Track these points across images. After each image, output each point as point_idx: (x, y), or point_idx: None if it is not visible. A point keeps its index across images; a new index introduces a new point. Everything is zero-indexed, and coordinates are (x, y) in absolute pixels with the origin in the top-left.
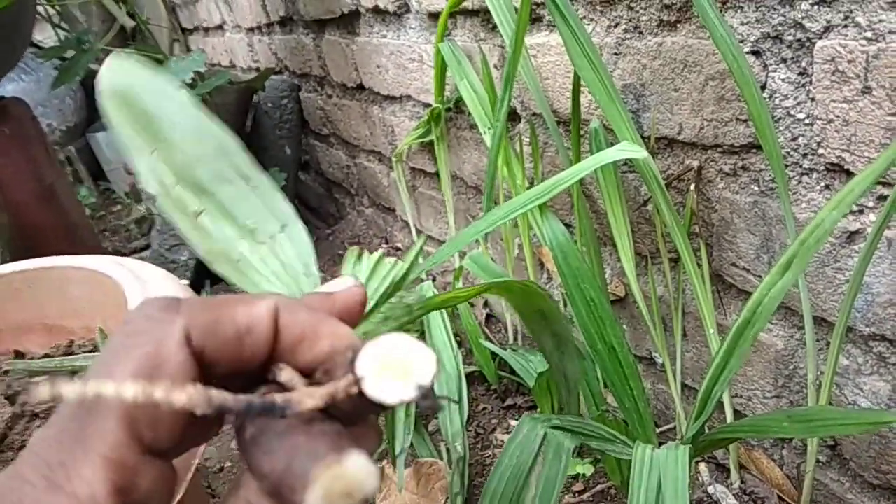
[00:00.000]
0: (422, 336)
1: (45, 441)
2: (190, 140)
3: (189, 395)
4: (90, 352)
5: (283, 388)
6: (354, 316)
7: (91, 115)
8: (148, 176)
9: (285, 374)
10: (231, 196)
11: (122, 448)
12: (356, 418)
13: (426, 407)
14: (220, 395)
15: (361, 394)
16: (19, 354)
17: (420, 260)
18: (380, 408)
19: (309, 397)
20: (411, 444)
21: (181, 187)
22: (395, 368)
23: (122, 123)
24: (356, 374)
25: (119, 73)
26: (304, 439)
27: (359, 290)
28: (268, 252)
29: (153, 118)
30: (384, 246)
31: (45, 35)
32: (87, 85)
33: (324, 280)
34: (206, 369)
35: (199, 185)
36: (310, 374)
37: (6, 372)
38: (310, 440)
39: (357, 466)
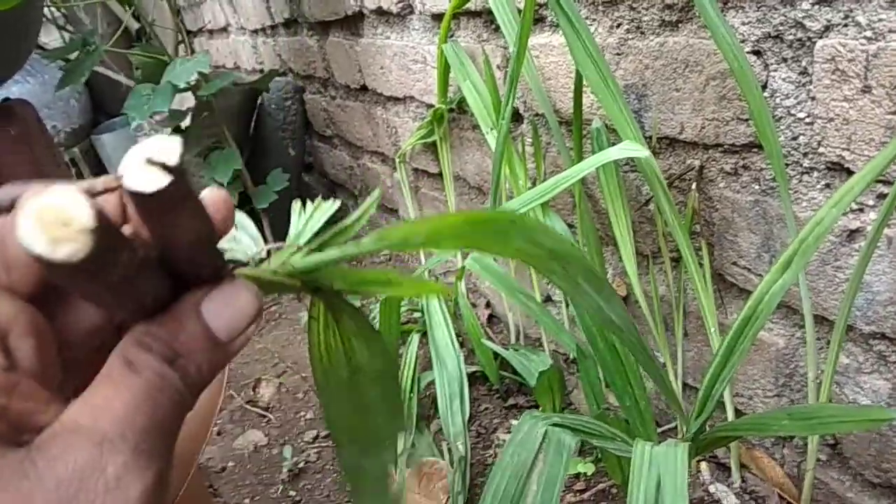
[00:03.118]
0: (423, 336)
1: None
2: None
3: None
4: None
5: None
6: (222, 214)
7: (96, 118)
8: None
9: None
10: None
11: None
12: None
13: (180, 187)
14: None
15: (132, 195)
16: None
17: (372, 210)
18: (143, 199)
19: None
20: (413, 444)
21: None
22: (152, 162)
23: None
24: (118, 173)
25: None
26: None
27: (220, 190)
28: None
29: None
30: None
31: (50, 37)
32: (92, 87)
33: None
34: None
35: None
36: None
37: None
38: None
39: (62, 194)
